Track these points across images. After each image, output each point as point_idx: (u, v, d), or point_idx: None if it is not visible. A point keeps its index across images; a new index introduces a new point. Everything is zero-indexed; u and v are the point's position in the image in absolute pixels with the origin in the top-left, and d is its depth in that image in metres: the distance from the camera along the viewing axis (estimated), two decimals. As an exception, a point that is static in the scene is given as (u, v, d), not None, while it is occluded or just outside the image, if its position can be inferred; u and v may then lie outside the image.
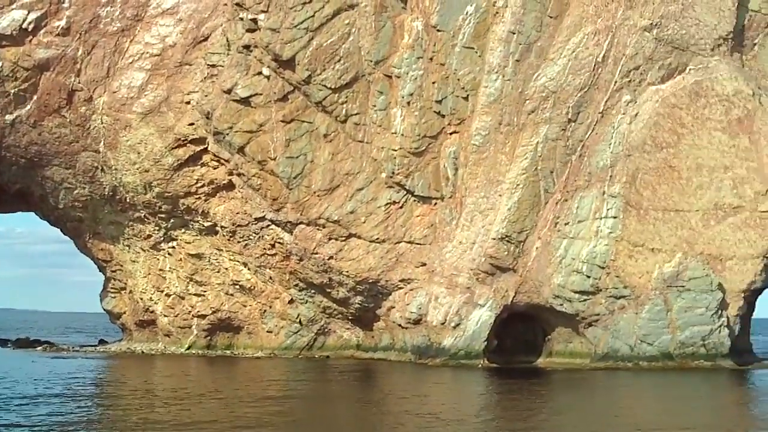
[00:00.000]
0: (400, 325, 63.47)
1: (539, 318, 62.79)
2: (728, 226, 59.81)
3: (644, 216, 59.64)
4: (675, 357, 58.24)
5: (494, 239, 60.51)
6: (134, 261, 69.59)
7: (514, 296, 60.82)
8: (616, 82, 60.97)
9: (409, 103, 62.38)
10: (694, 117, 60.52)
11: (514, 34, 61.48)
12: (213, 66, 65.26)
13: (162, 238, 68.48)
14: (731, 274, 59.47)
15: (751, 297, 61.13)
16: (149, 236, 68.66)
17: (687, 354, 58.29)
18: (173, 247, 68.33)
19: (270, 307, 66.77)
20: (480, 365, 59.57)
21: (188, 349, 67.96)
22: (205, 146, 65.47)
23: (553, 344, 62.68)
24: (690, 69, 61.42)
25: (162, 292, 68.89)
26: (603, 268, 59.37)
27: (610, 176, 60.14)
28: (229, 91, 63.12)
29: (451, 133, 62.62)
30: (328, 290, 64.68)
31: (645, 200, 59.75)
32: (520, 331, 64.04)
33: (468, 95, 62.13)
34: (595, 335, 60.26)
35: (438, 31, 62.27)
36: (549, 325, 62.56)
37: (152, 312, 69.43)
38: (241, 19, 63.65)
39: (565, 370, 58.28)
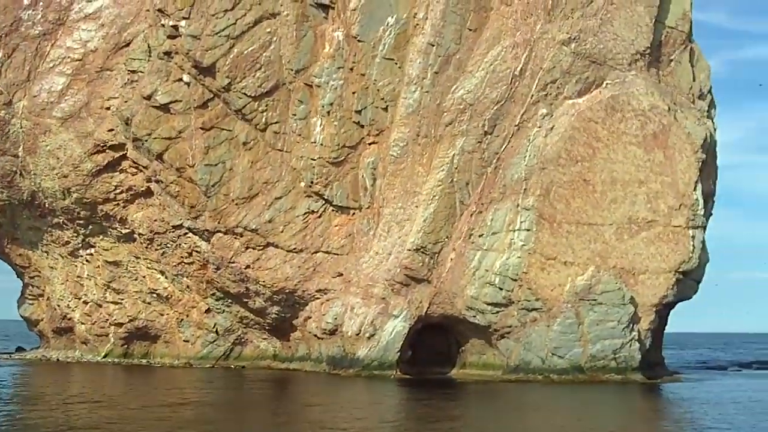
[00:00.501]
0: (316, 336, 63.28)
1: (453, 329, 62.79)
2: (641, 240, 60.12)
3: (557, 229, 59.83)
4: (586, 370, 58.35)
5: (410, 250, 60.50)
6: (52, 267, 69.03)
7: (429, 307, 60.79)
8: (532, 95, 61.22)
9: (329, 112, 62.39)
10: (610, 131, 60.86)
11: (433, 46, 61.64)
12: (134, 72, 65.01)
13: (80, 245, 67.98)
14: (643, 288, 59.75)
15: (663, 311, 61.44)
16: (67, 242, 68.13)
17: (598, 367, 58.43)
18: (91, 254, 67.85)
19: (187, 316, 66.39)
20: (392, 376, 59.45)
21: (105, 357, 67.44)
22: (125, 152, 65.12)
23: (467, 356, 62.70)
24: (607, 83, 61.81)
25: (79, 299, 68.36)
26: (515, 280, 59.48)
27: (525, 189, 60.32)
28: (148, 98, 62.84)
29: (370, 144, 62.65)
30: (245, 300, 64.39)
31: (558, 213, 59.97)
32: (435, 343, 63.90)
33: (387, 106, 62.21)
34: (508, 347, 60.32)
35: (359, 41, 62.34)
36: (463, 336, 62.57)
37: (69, 319, 68.86)
38: (163, 25, 63.42)
39: (477, 382, 58.28)
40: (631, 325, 58.72)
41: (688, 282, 61.62)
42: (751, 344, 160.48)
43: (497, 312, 59.80)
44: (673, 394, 53.76)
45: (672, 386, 58.82)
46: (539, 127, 60.98)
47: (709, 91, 65.21)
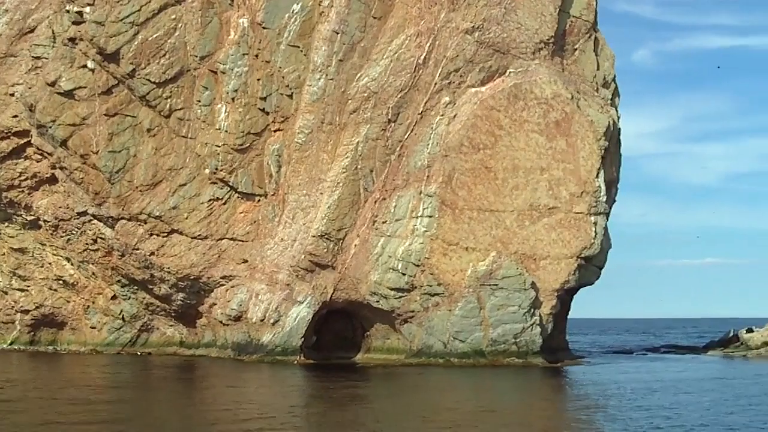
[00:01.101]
0: (221, 322, 63.33)
1: (358, 315, 63.14)
2: (543, 226, 60.81)
3: (459, 215, 60.35)
4: (487, 354, 58.94)
5: (314, 236, 60.73)
6: (-42, 254, 68.38)
7: (333, 293, 61.07)
8: (436, 83, 61.66)
9: (233, 99, 62.40)
10: (512, 119, 61.45)
11: (338, 33, 61.83)
12: (38, 58, 64.61)
13: (-15, 232, 67.41)
14: (545, 274, 60.46)
15: (564, 296, 62.23)
16: (-28, 230, 67.53)
17: (498, 351, 59.02)
18: (-4, 241, 67.31)
19: (93, 302, 66.13)
20: (296, 362, 59.68)
21: (11, 344, 66.96)
22: (29, 139, 64.73)
23: (372, 341, 63.09)
24: (510, 72, 62.38)
25: (-15, 286, 67.78)
26: (418, 265, 59.93)
27: (427, 176, 60.77)
28: (53, 84, 62.45)
29: (275, 131, 62.76)
30: (151, 287, 64.27)
31: (461, 200, 60.48)
32: (340, 328, 64.21)
33: (292, 93, 62.33)
34: (411, 332, 60.79)
35: (264, 28, 62.38)
36: (367, 321, 62.95)
37: (-25, 307, 68.25)
38: (68, 11, 63.07)
39: (380, 366, 58.68)
40: (532, 310, 59.37)
41: (590, 268, 62.44)
42: (672, 329, 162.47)
43: (400, 297, 60.22)
44: (569, 377, 54.53)
45: (571, 369, 59.62)
46: (442, 115, 61.44)
47: (613, 80, 66.00)
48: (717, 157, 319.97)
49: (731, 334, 77.06)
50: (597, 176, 61.55)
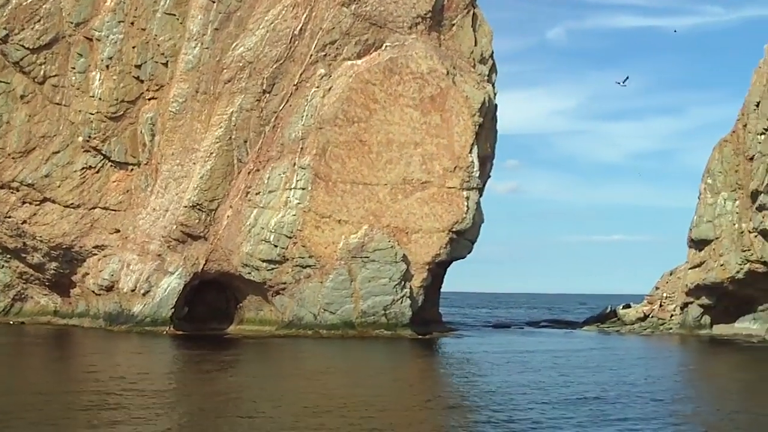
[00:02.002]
0: (94, 292, 62.88)
1: (231, 286, 63.07)
2: (416, 200, 61.18)
3: (332, 188, 60.48)
4: (356, 325, 59.29)
5: (186, 207, 60.48)
6: None
7: (205, 264, 60.93)
8: (311, 55, 61.59)
9: (108, 66, 61.79)
10: (387, 93, 61.63)
11: (214, 2, 61.45)
12: None
13: None
14: (416, 247, 60.87)
15: (436, 269, 62.70)
16: None
17: (368, 323, 59.40)
18: None
19: (-35, 271, 65.14)
20: (165, 332, 59.44)
21: None
22: None
23: (245, 312, 63.09)
24: (386, 46, 62.50)
25: None
26: (290, 237, 60.01)
27: (301, 148, 60.79)
28: None
29: (149, 99, 62.31)
30: (24, 255, 63.56)
31: (334, 173, 60.59)
32: (213, 299, 64.07)
33: (168, 61, 61.89)
34: (282, 303, 60.93)
35: (140, -5, 61.72)
36: (240, 293, 62.93)
37: None
38: (-61, -26, 61.73)
39: (250, 338, 58.66)
40: (403, 283, 59.79)
41: (461, 241, 62.98)
42: (569, 304, 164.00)
43: (272, 269, 60.27)
44: (426, 348, 54.98)
45: (438, 341, 60.14)
46: (317, 87, 61.43)
47: (491, 56, 66.41)
48: (625, 135, 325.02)
49: (608, 310, 78.26)
50: (471, 152, 62.01)
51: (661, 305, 71.21)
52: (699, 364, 49.07)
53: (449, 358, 50.25)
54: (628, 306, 75.35)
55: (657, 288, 73.06)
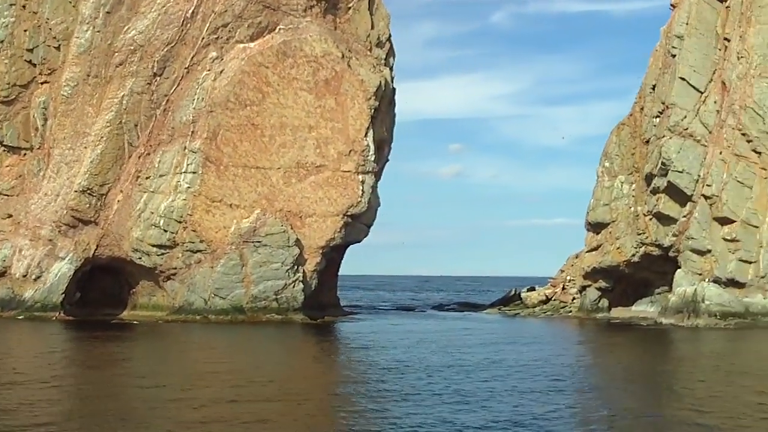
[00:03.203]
0: (-13, 278, 62.23)
1: (124, 271, 62.64)
2: (309, 184, 61.02)
3: (224, 172, 60.19)
4: (246, 311, 59.10)
5: (76, 192, 59.96)
6: None
7: (96, 249, 60.43)
8: (203, 38, 61.19)
9: (-1, 50, 61.05)
10: (281, 76, 61.33)
11: (106, -15, 60.81)
12: None
13: None
14: (310, 231, 60.76)
15: (331, 253, 62.59)
16: None
17: (259, 308, 59.23)
18: None
19: None
20: (55, 318, 58.93)
21: None
22: None
23: (138, 297, 62.65)
24: (280, 29, 62.20)
25: None
26: (180, 222, 59.68)
27: (192, 132, 60.41)
28: None
29: (41, 83, 61.64)
30: None
31: (225, 156, 60.29)
32: (107, 285, 63.62)
33: (60, 45, 61.28)
34: (174, 288, 60.64)
35: (31, -22, 61.02)
36: (133, 278, 62.52)
37: None
38: None
39: (141, 323, 58.33)
40: (296, 267, 59.66)
41: (357, 225, 62.93)
42: (498, 287, 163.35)
43: (162, 254, 59.94)
44: (314, 331, 54.91)
45: (332, 325, 60.13)
46: (209, 70, 61.05)
47: (388, 39, 66.25)
48: (568, 120, 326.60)
49: (512, 292, 78.51)
50: (366, 135, 61.94)
51: (564, 288, 71.56)
52: (548, 345, 48.66)
53: (329, 341, 50.31)
54: (532, 289, 75.63)
55: (562, 271, 73.40)
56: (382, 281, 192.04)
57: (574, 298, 70.52)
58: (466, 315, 74.31)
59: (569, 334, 57.77)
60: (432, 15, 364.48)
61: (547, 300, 72.20)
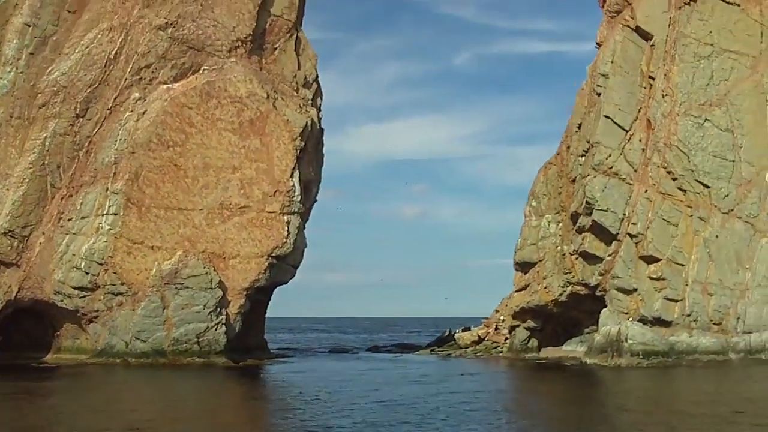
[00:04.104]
0: None
1: (47, 314, 62.01)
2: (233, 225, 60.77)
3: (146, 213, 59.87)
4: (168, 354, 58.54)
5: (-2, 234, 59.46)
6: None
7: (18, 292, 59.84)
8: (126, 79, 61.07)
9: None
10: (204, 117, 61.23)
11: (29, 26, 60.62)
12: None
13: None
14: (234, 273, 60.42)
15: (256, 295, 62.22)
16: None
17: (180, 351, 58.70)
18: None
19: None
20: (-28, 362, 58.23)
21: None
22: None
23: (62, 340, 62.03)
24: (204, 69, 62.17)
25: None
26: (102, 264, 59.26)
27: (114, 173, 60.15)
28: None
29: (-36, 125, 61.17)
30: None
31: (147, 198, 60.00)
32: (30, 327, 62.94)
33: (-17, 86, 60.92)
34: (96, 331, 60.09)
35: (-47, 19, 60.78)
36: (57, 321, 61.92)
37: None
38: None
39: (63, 366, 57.70)
40: (219, 309, 59.23)
41: (283, 266, 62.67)
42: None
43: (84, 296, 59.48)
44: (236, 375, 54.43)
45: (252, 369, 59.59)
46: (131, 111, 60.89)
47: (315, 80, 66.31)
48: (530, 160, 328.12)
49: (446, 333, 78.13)
50: (291, 176, 61.81)
51: (496, 328, 71.29)
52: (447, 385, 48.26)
53: (249, 384, 49.67)
54: (468, 329, 75.28)
55: (497, 311, 73.18)
56: (342, 323, 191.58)
57: (506, 339, 70.22)
58: (398, 357, 73.69)
59: (476, 376, 56.84)
60: (396, 56, 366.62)
61: (480, 340, 71.85)
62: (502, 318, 71.16)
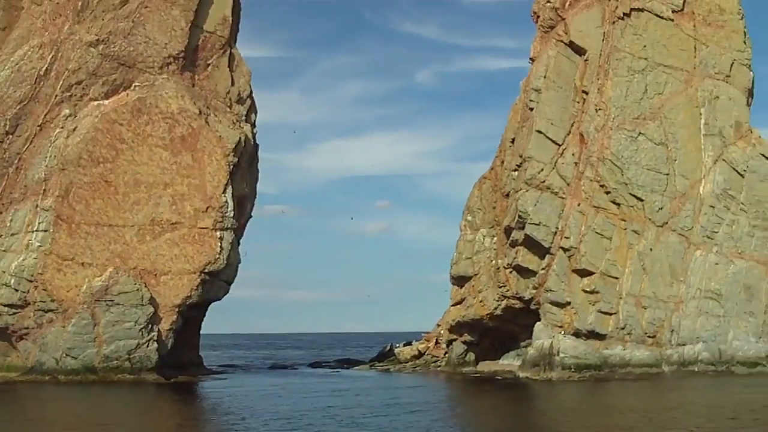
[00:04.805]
0: None
1: (-23, 332, 61.55)
2: (165, 241, 60.54)
3: (76, 230, 59.56)
4: (99, 371, 58.14)
5: (-74, 251, 59.01)
6: None
7: (-52, 310, 59.35)
8: (57, 95, 60.90)
9: None
10: (136, 133, 61.07)
11: (-42, 44, 60.44)
12: None
13: None
14: (166, 289, 60.17)
15: (189, 312, 61.95)
16: None
17: (111, 367, 58.32)
18: None
19: None
20: None
21: None
22: None
23: (-6, 359, 61.56)
24: (135, 86, 62.05)
25: None
26: (31, 281, 58.90)
27: (44, 190, 59.87)
28: None
29: None
30: None
31: (78, 214, 59.70)
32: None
33: None
34: (26, 348, 59.63)
35: None
36: (-13, 339, 61.47)
37: None
38: None
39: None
40: (150, 326, 58.95)
41: (216, 282, 62.44)
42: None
43: (14, 313, 59.09)
44: (167, 390, 54.16)
45: (184, 385, 59.25)
46: (62, 127, 60.67)
47: (249, 96, 66.29)
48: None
49: (387, 348, 78.02)
50: (224, 192, 61.70)
51: (437, 342, 71.27)
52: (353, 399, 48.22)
53: (177, 401, 49.18)
54: (409, 343, 75.24)
55: (438, 325, 73.17)
56: (298, 339, 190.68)
57: (446, 353, 70.21)
58: (336, 372, 73.51)
59: (400, 390, 56.60)
60: (359, 74, 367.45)
61: (421, 355, 71.79)
62: (442, 332, 71.13)
